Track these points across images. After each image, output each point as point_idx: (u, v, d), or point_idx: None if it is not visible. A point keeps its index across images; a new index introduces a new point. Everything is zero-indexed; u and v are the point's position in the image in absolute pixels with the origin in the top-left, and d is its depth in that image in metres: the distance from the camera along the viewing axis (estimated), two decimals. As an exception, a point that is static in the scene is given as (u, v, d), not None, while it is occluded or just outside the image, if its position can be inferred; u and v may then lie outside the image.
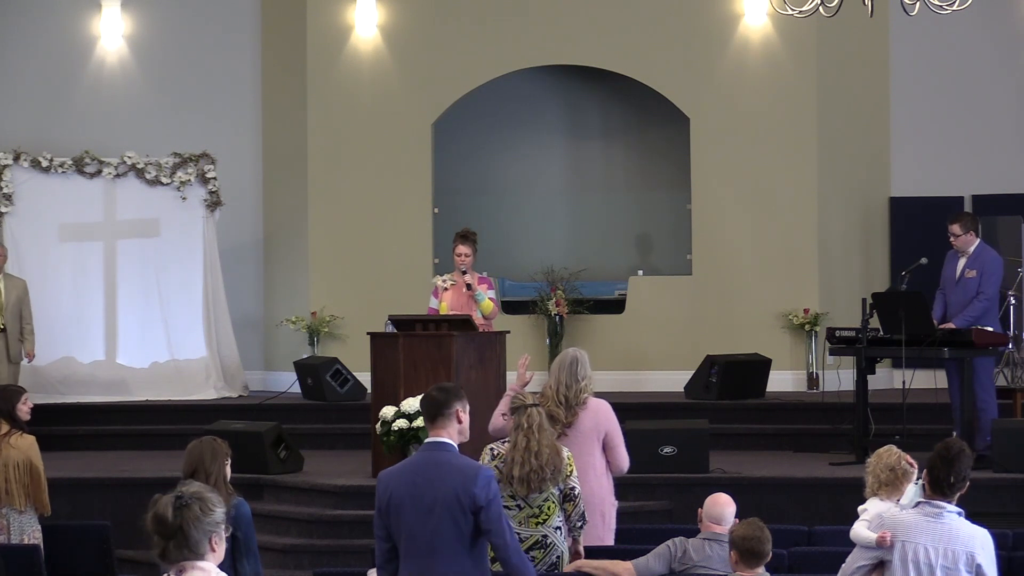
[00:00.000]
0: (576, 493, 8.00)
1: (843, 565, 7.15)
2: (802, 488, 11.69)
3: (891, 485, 7.60)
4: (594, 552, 8.17)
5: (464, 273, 12.20)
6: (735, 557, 6.86)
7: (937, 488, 6.83)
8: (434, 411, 6.53)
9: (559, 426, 8.63)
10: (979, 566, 6.74)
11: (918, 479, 7.35)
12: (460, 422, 6.54)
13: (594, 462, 8.72)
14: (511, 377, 11.88)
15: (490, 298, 12.26)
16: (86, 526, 10.24)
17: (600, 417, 8.77)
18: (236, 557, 7.24)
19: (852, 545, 7.16)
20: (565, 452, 8.03)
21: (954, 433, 12.17)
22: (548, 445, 7.91)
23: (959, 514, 6.82)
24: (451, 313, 12.04)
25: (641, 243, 17.20)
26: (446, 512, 6.34)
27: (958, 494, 6.88)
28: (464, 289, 12.20)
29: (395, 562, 6.46)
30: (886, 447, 7.82)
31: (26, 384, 14.80)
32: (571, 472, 8.01)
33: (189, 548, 4.60)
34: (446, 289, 12.25)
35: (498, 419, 8.69)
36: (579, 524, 8.05)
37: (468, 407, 6.59)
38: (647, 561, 7.71)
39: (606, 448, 8.78)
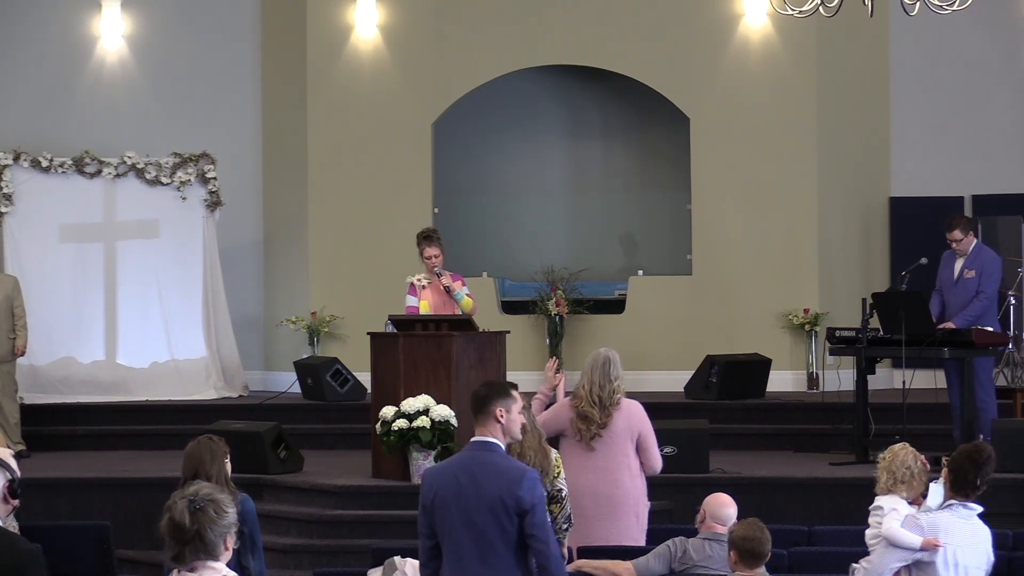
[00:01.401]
0: (563, 495, 7.94)
1: (864, 563, 7.16)
2: (802, 488, 11.69)
3: (908, 483, 7.58)
4: (628, 552, 8.14)
5: (440, 275, 12.16)
6: (735, 557, 6.85)
7: (960, 489, 6.89)
8: (475, 408, 6.45)
9: (594, 427, 8.66)
10: (993, 563, 6.99)
11: (936, 478, 7.38)
12: (499, 421, 6.39)
13: (629, 463, 8.76)
14: (511, 377, 11.95)
15: (467, 295, 12.23)
16: (86, 526, 10.21)
17: (633, 418, 8.82)
18: (241, 553, 7.25)
19: (853, 545, 7.16)
20: (553, 454, 8.00)
21: (954, 433, 12.21)
22: (533, 447, 7.84)
23: (979, 515, 6.93)
24: (447, 313, 12.04)
25: (641, 243, 17.18)
26: (490, 514, 6.25)
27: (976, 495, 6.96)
28: (442, 288, 12.18)
29: (438, 560, 6.40)
30: (900, 444, 7.79)
31: (26, 384, 14.90)
32: (558, 474, 7.96)
33: (206, 551, 4.61)
34: (423, 287, 12.22)
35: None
36: (564, 527, 7.97)
37: (513, 405, 6.42)
38: (647, 561, 7.72)
39: (639, 449, 8.82)
